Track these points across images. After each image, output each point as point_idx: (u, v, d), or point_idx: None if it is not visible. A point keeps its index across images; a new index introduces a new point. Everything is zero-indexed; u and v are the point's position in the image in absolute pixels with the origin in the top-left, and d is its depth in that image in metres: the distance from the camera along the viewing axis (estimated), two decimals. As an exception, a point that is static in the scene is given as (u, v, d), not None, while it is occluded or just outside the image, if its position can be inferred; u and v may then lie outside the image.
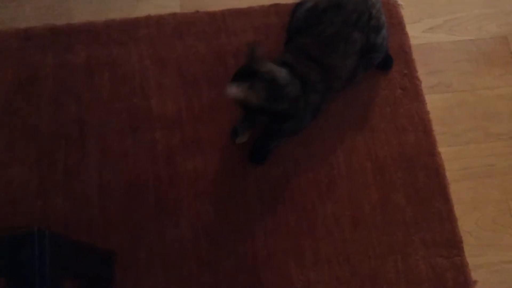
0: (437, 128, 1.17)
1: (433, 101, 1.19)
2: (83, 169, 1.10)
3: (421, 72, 1.21)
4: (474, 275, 1.06)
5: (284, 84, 0.96)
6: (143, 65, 1.19)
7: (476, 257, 1.07)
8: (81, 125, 1.13)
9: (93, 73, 1.17)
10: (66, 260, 0.72)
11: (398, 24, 1.25)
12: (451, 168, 1.14)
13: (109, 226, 1.06)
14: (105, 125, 1.14)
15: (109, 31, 1.21)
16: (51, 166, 1.10)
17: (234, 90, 0.90)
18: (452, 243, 1.08)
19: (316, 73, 1.03)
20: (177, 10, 1.25)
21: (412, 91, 1.20)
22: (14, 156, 1.10)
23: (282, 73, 0.97)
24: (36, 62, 1.17)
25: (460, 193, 1.12)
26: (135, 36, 1.21)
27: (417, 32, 1.26)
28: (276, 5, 1.26)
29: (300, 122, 1.06)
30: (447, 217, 1.10)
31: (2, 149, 1.10)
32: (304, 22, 1.08)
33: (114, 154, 1.12)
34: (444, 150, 1.15)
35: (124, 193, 1.09)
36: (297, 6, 1.14)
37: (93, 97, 1.15)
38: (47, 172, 1.10)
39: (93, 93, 1.16)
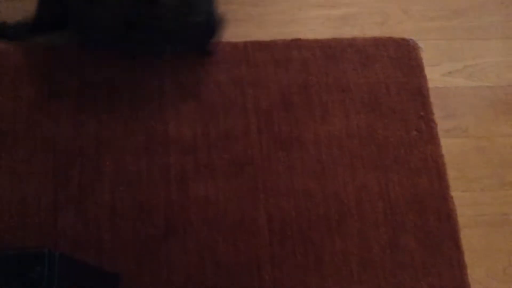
0: (451, 172, 1.16)
1: (449, 145, 1.19)
2: (96, 188, 1.11)
3: (438, 115, 1.21)
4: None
5: None
6: (163, 89, 1.21)
7: (484, 307, 1.06)
8: (98, 144, 1.15)
9: (114, 93, 1.20)
10: (73, 282, 0.73)
11: (417, 66, 1.26)
12: (464, 214, 1.13)
13: (117, 247, 1.07)
14: (121, 146, 1.15)
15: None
16: (66, 182, 1.11)
17: None
18: (460, 291, 1.07)
19: None
20: (201, 38, 1.27)
21: (428, 133, 1.20)
22: (31, 170, 1.12)
23: None
24: (60, 78, 1.20)
25: (471, 240, 1.11)
26: (158, 60, 1.24)
27: (436, 75, 1.27)
28: (297, 40, 1.28)
29: None
30: (457, 264, 1.08)
31: (20, 162, 1.12)
32: None
33: (128, 175, 1.13)
34: (458, 195, 1.15)
35: (134, 215, 1.10)
36: None
37: (112, 117, 1.17)
38: (61, 188, 1.11)
39: (112, 112, 1.18)
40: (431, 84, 1.25)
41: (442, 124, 1.21)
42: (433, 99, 1.23)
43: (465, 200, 1.15)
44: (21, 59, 1.21)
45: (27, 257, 0.64)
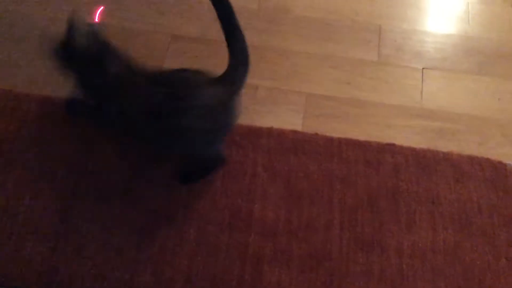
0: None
1: (541, 281, 1.12)
2: (177, 252, 1.15)
3: (532, 247, 1.16)
4: None
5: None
6: (255, 171, 1.27)
7: None
8: (186, 211, 1.20)
9: (209, 167, 1.27)
10: None
11: (507, 191, 1.23)
12: None
13: (185, 316, 1.08)
14: (207, 217, 1.20)
15: (233, 133, 1.31)
16: (149, 241, 1.16)
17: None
18: None
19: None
20: (299, 128, 1.33)
21: (519, 264, 1.14)
22: (119, 222, 1.18)
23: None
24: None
25: None
26: (255, 143, 1.30)
27: (531, 203, 1.23)
28: (391, 145, 1.30)
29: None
30: None
31: (110, 215, 1.20)
32: None
33: (208, 246, 1.16)
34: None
35: (206, 287, 1.12)
36: None
37: (204, 188, 1.23)
38: (143, 245, 1.16)
39: (204, 184, 1.24)
40: (526, 212, 1.20)
41: (535, 257, 1.15)
42: (528, 228, 1.18)
43: None
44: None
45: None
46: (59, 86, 1.25)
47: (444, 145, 1.31)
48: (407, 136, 1.33)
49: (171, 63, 1.41)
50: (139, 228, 1.18)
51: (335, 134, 1.32)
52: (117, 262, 1.14)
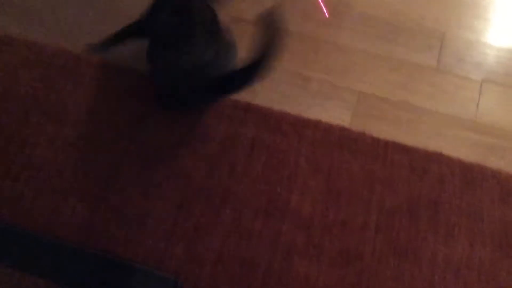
0: None
1: None
2: (210, 231, 1.17)
3: None
4: None
5: None
6: (297, 162, 1.27)
7: None
8: (225, 192, 1.22)
9: (252, 151, 1.27)
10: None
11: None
12: None
13: (212, 293, 1.10)
14: (244, 201, 1.21)
15: (280, 121, 1.32)
16: (186, 217, 1.19)
17: None
18: None
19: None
20: (346, 125, 1.32)
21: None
22: (160, 195, 1.21)
23: None
24: (211, 127, 1.31)
25: None
26: (300, 133, 1.30)
27: None
28: (439, 154, 1.27)
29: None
30: None
31: (152, 185, 1.23)
32: None
33: (241, 229, 1.18)
34: None
35: (235, 269, 1.13)
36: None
37: (245, 172, 1.25)
38: (181, 220, 1.19)
39: (246, 169, 1.25)
40: None
41: None
42: None
43: None
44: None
45: (156, 278, 0.69)
46: (118, 53, 1.28)
47: (494, 162, 1.28)
48: (457, 147, 1.29)
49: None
50: (178, 201, 1.20)
51: (382, 136, 1.30)
52: (152, 230, 1.17)
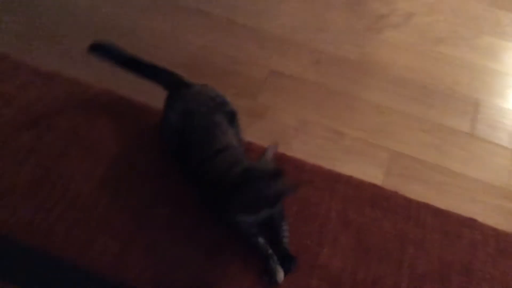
0: None
1: None
2: (240, 280, 1.15)
3: None
4: None
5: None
6: (328, 216, 1.26)
7: None
8: (254, 240, 1.21)
9: (284, 202, 1.27)
10: None
11: None
12: None
13: None
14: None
15: (313, 174, 1.33)
16: (214, 262, 1.18)
17: None
18: None
19: None
20: (379, 183, 1.33)
21: None
22: (188, 238, 1.21)
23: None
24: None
25: None
26: (332, 188, 1.31)
27: None
28: (473, 220, 1.26)
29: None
30: None
31: (181, 228, 1.22)
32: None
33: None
34: None
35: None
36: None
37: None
38: (207, 266, 1.17)
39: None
40: None
41: None
42: None
43: None
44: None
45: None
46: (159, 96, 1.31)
47: (527, 232, 1.26)
48: (490, 215, 1.28)
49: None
50: (207, 246, 1.20)
51: (415, 197, 1.30)
52: (181, 273, 1.16)
